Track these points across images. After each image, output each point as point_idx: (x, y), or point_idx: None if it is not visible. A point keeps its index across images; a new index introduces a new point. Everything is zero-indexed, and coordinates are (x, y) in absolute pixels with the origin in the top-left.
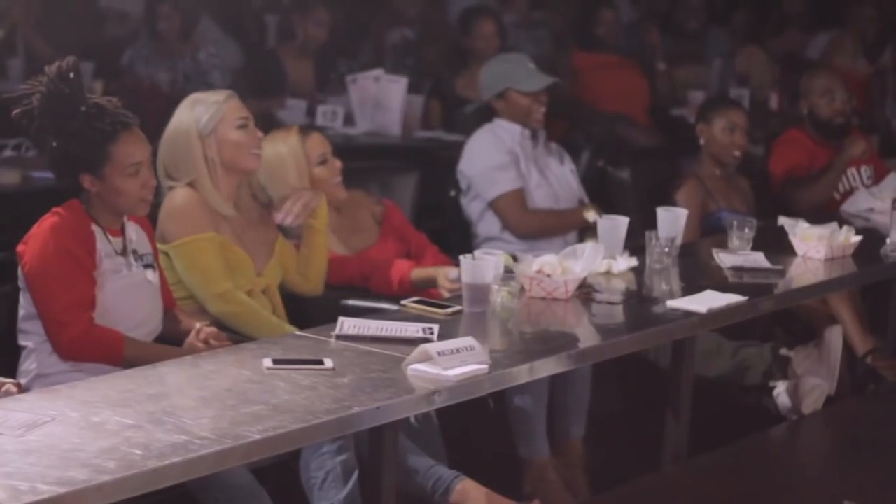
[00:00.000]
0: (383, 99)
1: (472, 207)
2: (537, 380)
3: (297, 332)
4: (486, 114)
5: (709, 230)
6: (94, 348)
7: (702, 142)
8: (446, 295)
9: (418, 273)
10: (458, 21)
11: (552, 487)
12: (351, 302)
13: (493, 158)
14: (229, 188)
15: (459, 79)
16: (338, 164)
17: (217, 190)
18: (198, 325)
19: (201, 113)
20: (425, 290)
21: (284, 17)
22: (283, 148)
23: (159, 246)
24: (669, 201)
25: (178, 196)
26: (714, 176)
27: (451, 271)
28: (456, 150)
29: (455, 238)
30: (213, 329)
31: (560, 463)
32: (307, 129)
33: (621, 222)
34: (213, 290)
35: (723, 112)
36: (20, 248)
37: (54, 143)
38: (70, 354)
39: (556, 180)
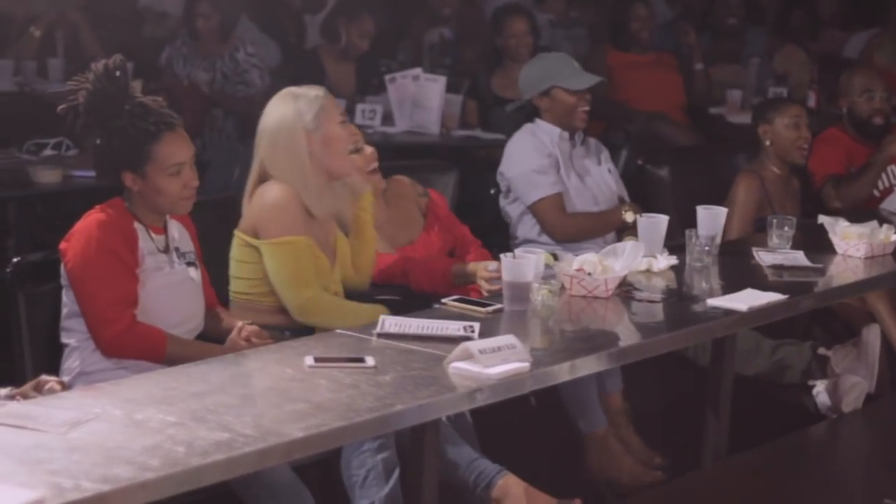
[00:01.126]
0: (422, 98)
1: (512, 209)
2: None
3: (339, 331)
4: (527, 113)
5: (756, 231)
6: (136, 345)
7: (767, 143)
8: (485, 286)
9: (458, 268)
10: (491, 20)
11: (615, 455)
12: (390, 298)
13: (533, 161)
14: (321, 190)
15: (495, 78)
16: (370, 150)
17: (317, 188)
18: (240, 323)
19: (304, 108)
20: (464, 288)
21: (330, 18)
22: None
23: (248, 238)
24: (728, 196)
25: (275, 192)
26: (774, 178)
27: (491, 263)
28: (494, 148)
29: (494, 237)
30: (254, 327)
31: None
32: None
33: (661, 221)
34: (299, 296)
35: (783, 109)
36: (63, 245)
37: (98, 141)
38: (112, 351)
39: (594, 182)
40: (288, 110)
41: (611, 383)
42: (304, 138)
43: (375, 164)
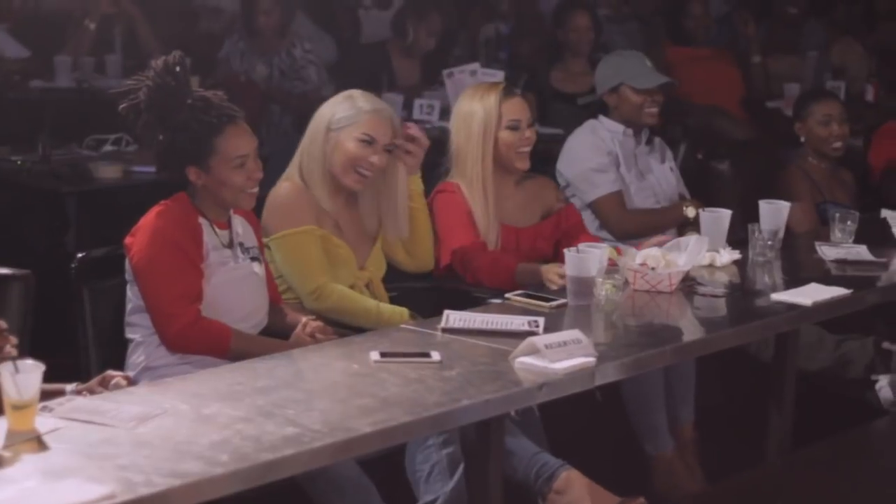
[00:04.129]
0: None
1: None
2: (653, 375)
3: (403, 326)
4: (594, 108)
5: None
6: (201, 340)
7: (802, 139)
8: (552, 286)
9: (524, 267)
10: (553, 14)
11: (679, 479)
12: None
13: (592, 160)
14: (331, 189)
15: (554, 72)
16: (529, 134)
17: (323, 183)
18: (304, 318)
19: (340, 110)
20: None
21: (399, 15)
22: (477, 104)
23: (263, 239)
24: (775, 193)
25: (281, 189)
26: (816, 168)
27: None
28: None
29: None
30: (319, 323)
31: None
32: (511, 89)
33: (724, 215)
34: (308, 285)
35: (815, 107)
36: (128, 240)
37: (160, 137)
38: (177, 346)
39: (656, 181)
40: (326, 107)
41: (685, 414)
42: (323, 133)
43: (527, 149)
